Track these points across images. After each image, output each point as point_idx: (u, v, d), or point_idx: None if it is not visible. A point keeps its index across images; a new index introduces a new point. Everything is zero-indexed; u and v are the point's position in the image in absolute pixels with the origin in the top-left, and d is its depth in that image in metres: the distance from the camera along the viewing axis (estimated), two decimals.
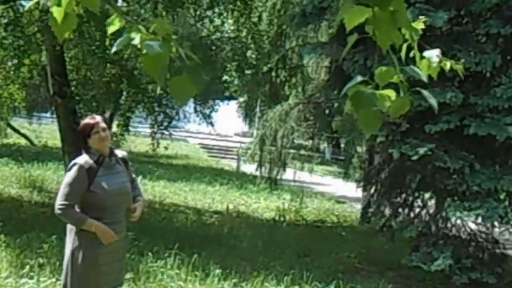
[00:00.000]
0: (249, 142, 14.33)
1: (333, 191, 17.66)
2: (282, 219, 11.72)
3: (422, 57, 1.93)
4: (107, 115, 15.16)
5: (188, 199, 13.12)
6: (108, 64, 10.17)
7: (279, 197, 14.62)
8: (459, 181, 7.43)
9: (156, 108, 12.86)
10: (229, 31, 15.09)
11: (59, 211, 3.69)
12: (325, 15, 8.87)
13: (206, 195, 13.84)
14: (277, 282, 6.44)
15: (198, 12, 11.70)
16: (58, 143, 13.35)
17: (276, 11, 13.55)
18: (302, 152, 16.11)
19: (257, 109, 20.22)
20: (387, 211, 8.69)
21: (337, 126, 12.95)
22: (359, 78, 1.78)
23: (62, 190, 3.72)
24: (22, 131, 22.55)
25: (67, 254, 3.80)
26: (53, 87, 9.88)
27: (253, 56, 15.43)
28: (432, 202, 8.45)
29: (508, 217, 7.38)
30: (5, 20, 9.47)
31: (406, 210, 8.52)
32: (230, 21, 13.48)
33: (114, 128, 12.48)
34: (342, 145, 23.05)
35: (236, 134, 35.35)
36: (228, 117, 32.24)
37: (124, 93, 12.29)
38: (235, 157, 22.47)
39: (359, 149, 13.64)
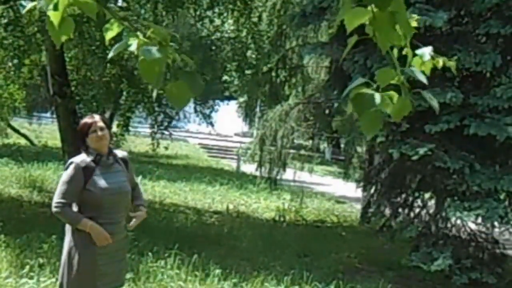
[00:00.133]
0: (249, 142, 14.34)
1: (333, 191, 17.66)
2: (282, 219, 11.71)
3: (414, 55, 1.92)
4: (107, 115, 15.18)
5: (188, 199, 13.12)
6: (108, 64, 10.17)
7: (279, 197, 14.62)
8: (459, 181, 7.43)
9: (156, 108, 12.88)
10: (229, 31, 15.10)
11: (55, 209, 3.70)
12: (325, 15, 8.87)
13: (206, 195, 13.83)
14: (277, 282, 6.44)
15: (198, 12, 11.70)
16: (58, 143, 13.34)
17: (276, 11, 13.55)
18: (302, 152, 16.13)
19: (257, 109, 20.22)
20: (387, 211, 8.69)
21: (337, 126, 12.94)
22: (360, 80, 1.78)
23: (59, 188, 3.74)
24: (22, 131, 22.57)
25: (64, 254, 3.80)
26: (53, 87, 9.88)
27: (253, 56, 15.44)
28: (432, 202, 8.44)
29: (508, 217, 7.37)
30: (5, 20, 9.47)
31: (406, 210, 8.52)
32: (230, 21, 13.49)
33: (114, 128, 12.49)
34: (342, 145, 23.05)
35: (236, 134, 35.36)
36: (228, 117, 32.28)
37: (124, 93, 12.29)
38: (235, 157, 22.46)
39: (359, 149, 13.64)
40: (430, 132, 7.34)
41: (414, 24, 1.85)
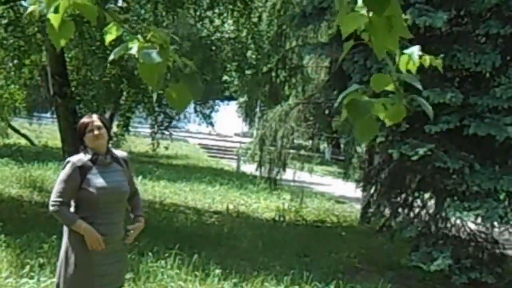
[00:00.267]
0: (249, 142, 14.34)
1: (333, 191, 17.66)
2: (282, 219, 11.72)
3: (402, 54, 1.91)
4: (107, 115, 15.18)
5: (188, 199, 13.11)
6: (108, 65, 10.16)
7: (279, 197, 14.62)
8: (459, 181, 7.43)
9: (156, 109, 12.88)
10: (229, 31, 15.09)
11: (52, 208, 3.70)
12: (325, 16, 8.87)
13: (206, 195, 13.83)
14: (277, 282, 6.44)
15: (198, 13, 11.70)
16: (58, 143, 13.34)
17: (276, 11, 13.55)
18: (302, 152, 16.12)
19: (257, 109, 20.22)
20: (387, 211, 8.68)
21: (337, 126, 12.92)
22: (355, 86, 1.77)
23: (56, 187, 3.75)
24: (23, 131, 22.56)
25: (61, 254, 3.79)
26: (54, 88, 9.88)
27: (253, 56, 15.45)
28: (431, 202, 8.44)
29: (508, 217, 7.38)
30: (6, 21, 9.47)
31: (406, 210, 8.52)
32: (230, 21, 13.48)
33: (115, 128, 12.49)
34: (342, 145, 23.03)
35: (236, 134, 35.35)
36: (228, 117, 32.25)
37: (124, 93, 12.29)
38: (235, 157, 22.47)
39: (358, 149, 13.62)
40: (429, 132, 7.33)
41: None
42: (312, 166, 15.70)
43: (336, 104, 1.86)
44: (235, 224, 10.40)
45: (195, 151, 28.37)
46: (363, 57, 7.63)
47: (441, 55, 1.88)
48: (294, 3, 12.83)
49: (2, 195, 10.56)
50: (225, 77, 20.09)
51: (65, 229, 3.80)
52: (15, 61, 10.30)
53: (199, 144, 30.67)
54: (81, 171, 3.72)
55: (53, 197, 3.72)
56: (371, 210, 9.16)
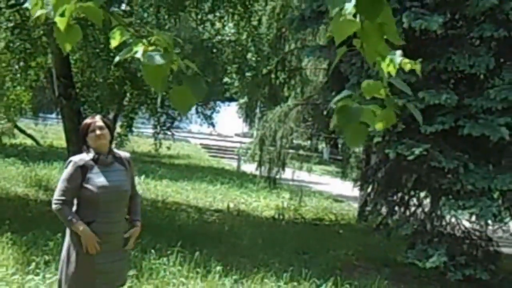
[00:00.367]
0: (249, 142, 14.34)
1: (331, 190, 17.66)
2: (281, 217, 11.71)
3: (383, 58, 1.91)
4: (111, 116, 15.17)
5: (190, 197, 13.11)
6: (112, 67, 10.16)
7: (279, 196, 14.62)
8: (454, 181, 7.42)
9: (159, 109, 12.87)
10: (229, 34, 15.10)
11: (54, 206, 3.70)
12: (323, 19, 8.86)
13: (207, 194, 13.83)
14: (277, 279, 6.44)
15: (199, 16, 11.69)
16: (63, 143, 13.34)
17: (276, 15, 13.56)
18: (301, 152, 16.15)
19: (257, 110, 20.20)
20: (384, 210, 8.68)
21: (335, 127, 12.93)
22: (346, 92, 1.77)
23: (59, 186, 3.76)
24: (29, 131, 22.57)
25: (63, 251, 3.80)
26: (59, 89, 9.88)
27: (253, 58, 15.46)
28: (427, 201, 8.44)
29: (501, 215, 7.37)
30: (12, 24, 9.45)
31: (402, 209, 8.51)
32: (231, 24, 13.48)
33: (118, 129, 12.49)
34: (340, 145, 23.04)
35: (236, 135, 35.33)
36: (228, 118, 32.24)
37: (128, 94, 12.29)
38: (236, 157, 22.46)
39: (356, 149, 13.63)
40: (425, 132, 7.33)
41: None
42: (310, 166, 15.71)
43: (328, 108, 1.84)
44: (236, 222, 10.40)
45: (197, 151, 28.37)
46: (360, 59, 7.62)
47: (419, 60, 1.87)
48: (293, 7, 12.84)
49: (9, 194, 10.56)
50: (226, 79, 20.11)
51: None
52: (21, 63, 10.28)
53: (201, 144, 30.66)
54: (82, 170, 3.72)
55: (56, 195, 3.73)
56: (368, 208, 9.16)
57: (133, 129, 12.89)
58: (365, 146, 11.54)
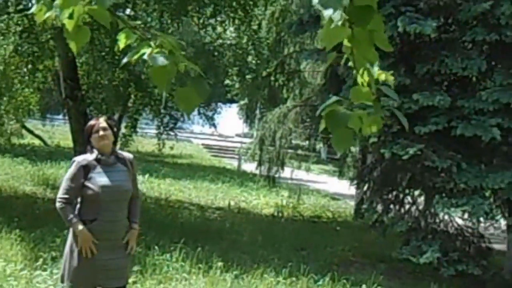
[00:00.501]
0: (249, 143, 14.36)
1: (328, 189, 17.65)
2: (280, 214, 11.71)
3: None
4: (116, 117, 15.18)
5: (192, 196, 13.11)
6: (117, 69, 10.16)
7: (278, 194, 14.61)
8: (447, 179, 7.43)
9: (162, 111, 12.88)
10: (230, 38, 15.10)
11: (58, 204, 3.71)
12: (321, 24, 8.87)
13: (209, 192, 13.82)
14: (276, 274, 6.43)
15: (201, 20, 11.69)
16: (70, 143, 13.32)
17: (275, 19, 13.54)
18: (299, 152, 16.14)
19: (257, 111, 20.21)
20: (379, 207, 8.68)
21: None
22: (334, 98, 1.76)
23: (62, 185, 3.77)
24: (36, 132, 22.56)
25: (66, 247, 3.80)
26: (65, 91, 9.88)
27: (253, 61, 15.45)
28: (421, 199, 8.45)
29: (493, 213, 7.39)
30: (20, 28, 9.46)
31: (397, 207, 8.52)
32: (232, 28, 13.47)
33: (123, 129, 12.49)
34: None
35: (237, 135, 35.30)
36: (229, 119, 32.25)
37: (132, 96, 12.28)
38: (236, 156, 22.46)
39: (352, 149, 13.61)
40: (419, 133, 7.34)
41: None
42: (308, 165, 15.71)
43: (317, 114, 1.83)
44: (236, 220, 10.39)
45: (199, 150, 28.36)
46: None
47: (390, 72, 1.87)
48: (292, 12, 12.84)
49: (17, 192, 10.56)
50: (227, 81, 20.10)
51: None
52: (29, 66, 10.29)
53: (202, 144, 30.65)
54: (85, 169, 3.72)
55: (60, 194, 3.73)
56: (364, 206, 9.16)
57: (137, 129, 12.89)
58: (361, 146, 11.55)
